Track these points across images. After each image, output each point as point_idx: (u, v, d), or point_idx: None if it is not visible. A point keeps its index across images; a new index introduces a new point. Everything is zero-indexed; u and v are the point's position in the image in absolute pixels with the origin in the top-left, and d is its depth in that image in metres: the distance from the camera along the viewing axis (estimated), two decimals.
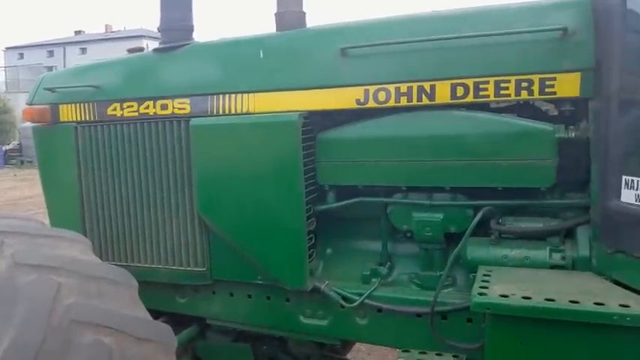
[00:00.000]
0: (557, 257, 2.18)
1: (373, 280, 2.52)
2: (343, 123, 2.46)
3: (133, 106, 2.76)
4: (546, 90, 2.07)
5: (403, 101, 2.28)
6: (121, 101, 2.79)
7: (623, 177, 1.84)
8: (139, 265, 2.84)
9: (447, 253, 2.38)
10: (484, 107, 2.29)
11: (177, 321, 2.95)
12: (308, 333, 2.69)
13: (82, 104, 2.90)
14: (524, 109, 2.35)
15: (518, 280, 2.00)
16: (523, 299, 1.82)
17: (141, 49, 3.08)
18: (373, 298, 2.45)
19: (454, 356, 2.25)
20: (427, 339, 2.32)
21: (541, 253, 2.19)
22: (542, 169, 2.12)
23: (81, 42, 60.91)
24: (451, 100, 2.21)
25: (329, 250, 2.73)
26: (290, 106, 2.43)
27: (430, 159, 2.28)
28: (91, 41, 59.23)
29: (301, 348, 3.06)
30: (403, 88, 2.27)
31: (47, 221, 2.98)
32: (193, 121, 2.60)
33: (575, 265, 2.15)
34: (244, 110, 2.53)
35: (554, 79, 2.05)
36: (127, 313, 1.88)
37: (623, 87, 1.87)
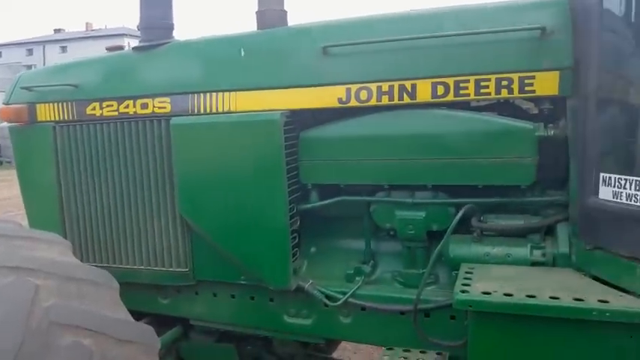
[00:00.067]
0: (537, 254, 2.20)
1: (357, 278, 2.53)
2: (325, 122, 2.46)
3: (112, 106, 2.73)
4: (526, 88, 2.09)
5: (385, 100, 2.28)
6: (101, 100, 2.75)
7: (601, 174, 1.87)
8: (120, 266, 2.81)
9: (430, 250, 2.40)
10: (465, 106, 2.31)
11: (160, 322, 2.93)
12: (292, 332, 2.69)
13: (60, 103, 2.85)
14: (504, 107, 2.37)
15: (499, 278, 2.02)
16: (505, 296, 1.84)
17: (120, 48, 3.04)
18: (357, 296, 2.45)
19: (437, 353, 2.27)
20: (411, 337, 2.33)
21: (522, 251, 2.22)
22: (522, 167, 2.15)
23: (61, 40, 60.14)
24: (432, 99, 2.22)
25: (313, 249, 2.73)
26: (272, 105, 2.42)
27: (412, 157, 2.29)
28: (71, 39, 58.53)
29: (286, 347, 3.05)
30: (385, 86, 2.27)
31: (26, 223, 2.93)
32: (174, 120, 2.58)
33: (556, 262, 2.18)
34: (225, 109, 2.51)
35: (534, 77, 2.07)
36: (108, 314, 1.86)
37: (600, 86, 1.90)
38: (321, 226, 2.70)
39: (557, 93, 2.06)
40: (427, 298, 2.30)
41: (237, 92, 2.49)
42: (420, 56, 2.23)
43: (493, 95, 2.15)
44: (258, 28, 2.60)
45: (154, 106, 2.64)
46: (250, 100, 2.47)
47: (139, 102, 2.67)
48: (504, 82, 2.11)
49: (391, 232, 2.52)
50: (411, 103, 2.26)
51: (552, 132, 2.11)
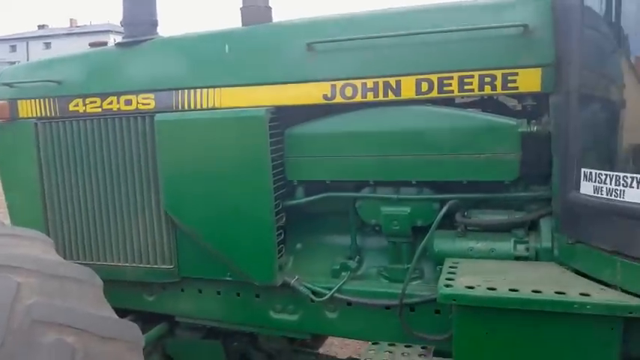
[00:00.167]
0: (521, 249, 2.23)
1: (343, 274, 2.54)
2: (311, 118, 2.46)
3: (95, 102, 2.70)
4: (509, 85, 2.11)
5: (370, 97, 2.29)
6: (84, 97, 2.73)
7: (582, 169, 1.89)
8: (104, 263, 2.79)
9: (415, 246, 2.41)
10: (449, 102, 2.32)
11: (145, 319, 2.92)
12: (278, 328, 2.70)
13: (42, 100, 2.83)
14: (488, 104, 2.39)
15: (483, 272, 2.04)
16: (488, 290, 1.86)
17: (104, 44, 3.02)
18: (343, 291, 2.46)
19: (423, 347, 2.28)
20: (396, 331, 2.35)
21: (506, 245, 2.24)
22: (506, 163, 2.17)
23: (45, 37, 59.36)
24: (416, 95, 2.23)
25: (298, 245, 2.74)
26: (256, 101, 2.42)
27: (397, 154, 2.30)
28: (56, 36, 57.81)
29: (272, 343, 3.05)
30: (369, 83, 2.28)
31: (8, 221, 2.90)
32: (158, 117, 2.56)
33: (539, 256, 2.20)
34: (210, 105, 2.50)
35: (516, 74, 2.09)
36: (91, 311, 1.84)
37: (582, 83, 1.92)
38: (307, 223, 2.70)
39: (539, 89, 2.09)
40: (412, 292, 2.32)
41: (222, 88, 2.48)
42: (404, 53, 2.24)
43: (476, 92, 2.17)
44: (242, 25, 2.59)
45: (137, 103, 2.62)
46: (235, 96, 2.46)
47: (122, 98, 2.65)
48: (487, 79, 2.13)
49: (376, 228, 2.53)
50: (396, 99, 2.27)
51: (535, 128, 2.13)
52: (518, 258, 2.21)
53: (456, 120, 2.24)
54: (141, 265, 2.74)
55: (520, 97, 2.25)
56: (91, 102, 2.71)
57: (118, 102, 2.66)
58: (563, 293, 1.79)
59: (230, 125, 2.44)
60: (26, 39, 59.28)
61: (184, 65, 2.60)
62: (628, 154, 1.86)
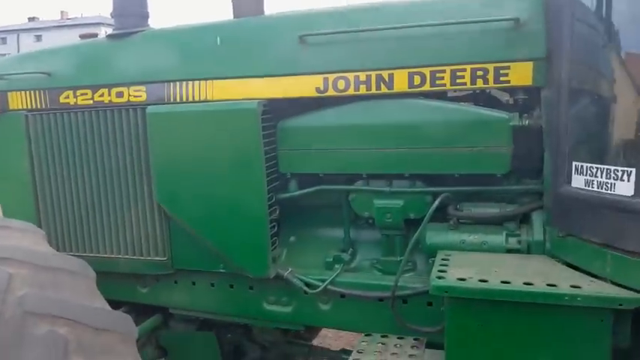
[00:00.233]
0: (513, 241, 2.24)
1: (336, 266, 2.55)
2: (304, 111, 2.45)
3: (87, 94, 2.69)
4: (501, 79, 2.12)
5: (362, 89, 2.29)
6: (74, 89, 2.71)
7: (574, 163, 1.91)
8: (97, 255, 2.78)
9: (408, 238, 2.42)
10: (442, 95, 2.33)
11: (139, 311, 2.92)
12: (272, 320, 2.71)
13: (32, 92, 2.81)
14: (480, 97, 2.40)
15: (475, 264, 2.06)
16: (480, 282, 1.87)
17: (94, 35, 3.00)
18: (336, 283, 2.47)
19: (415, 339, 2.30)
20: (389, 323, 2.37)
21: (498, 238, 2.25)
22: (498, 156, 2.18)
23: (35, 29, 58.77)
24: (409, 88, 2.23)
25: (292, 238, 2.74)
26: (249, 93, 2.41)
27: (389, 147, 2.30)
28: (46, 28, 57.26)
29: (266, 335, 3.07)
30: (362, 76, 2.28)
31: (0, 213, 2.89)
32: (150, 109, 2.55)
33: (530, 249, 2.22)
34: (202, 98, 2.49)
35: (508, 67, 2.10)
36: (84, 303, 1.84)
37: (573, 76, 1.93)
38: (300, 215, 2.71)
39: (531, 83, 2.09)
40: (405, 284, 2.33)
41: (214, 81, 2.47)
42: (396, 46, 2.24)
43: (469, 85, 2.17)
44: (234, 17, 2.58)
45: (129, 95, 2.61)
46: (227, 89, 2.45)
47: (114, 90, 2.63)
48: (479, 73, 2.13)
49: (370, 221, 2.54)
50: (389, 92, 2.27)
51: (527, 122, 2.14)
52: (509, 251, 2.23)
53: (448, 113, 2.24)
54: (134, 257, 2.73)
55: (512, 90, 2.26)
56: (82, 94, 2.69)
57: (110, 94, 2.64)
58: (554, 285, 1.81)
59: (222, 118, 2.43)
60: (17, 31, 58.65)
61: (176, 57, 2.58)
62: (619, 147, 1.86)
